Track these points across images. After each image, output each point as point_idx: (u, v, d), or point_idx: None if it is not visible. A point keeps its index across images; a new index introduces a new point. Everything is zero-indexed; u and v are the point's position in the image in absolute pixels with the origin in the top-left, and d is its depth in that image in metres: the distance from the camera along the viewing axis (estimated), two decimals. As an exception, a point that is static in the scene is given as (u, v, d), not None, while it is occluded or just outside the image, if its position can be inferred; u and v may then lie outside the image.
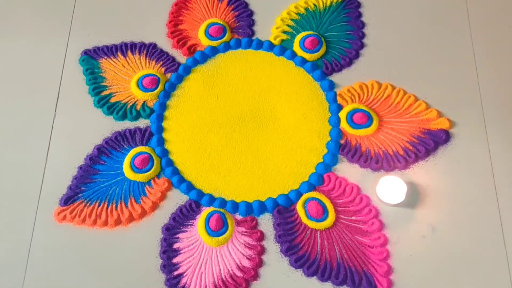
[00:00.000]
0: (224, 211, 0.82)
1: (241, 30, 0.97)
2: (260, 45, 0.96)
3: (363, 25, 0.98)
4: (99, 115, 0.90)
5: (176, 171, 0.85)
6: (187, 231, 0.81)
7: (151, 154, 0.86)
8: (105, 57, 0.95)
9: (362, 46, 0.96)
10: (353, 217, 0.82)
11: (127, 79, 0.93)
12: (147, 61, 0.95)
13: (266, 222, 0.82)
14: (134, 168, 0.84)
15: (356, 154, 0.86)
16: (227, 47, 0.96)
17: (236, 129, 0.89)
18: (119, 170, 0.85)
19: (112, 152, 0.87)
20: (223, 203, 0.83)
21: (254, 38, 0.97)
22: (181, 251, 0.79)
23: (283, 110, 0.90)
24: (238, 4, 1.00)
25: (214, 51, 0.95)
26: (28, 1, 1.01)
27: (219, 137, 0.88)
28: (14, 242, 0.80)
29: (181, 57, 0.95)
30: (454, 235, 0.80)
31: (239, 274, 0.77)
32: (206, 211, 0.82)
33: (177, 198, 0.84)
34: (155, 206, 0.83)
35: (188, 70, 0.94)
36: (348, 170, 0.85)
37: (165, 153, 0.87)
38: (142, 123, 0.90)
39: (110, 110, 0.90)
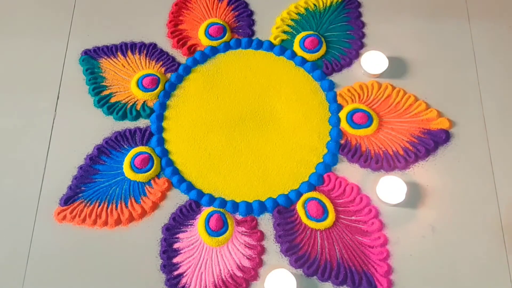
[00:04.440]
0: (224, 211, 0.82)
1: (241, 30, 0.97)
2: (260, 45, 0.96)
3: (363, 25, 0.98)
4: (99, 115, 0.90)
5: (176, 171, 0.85)
6: (187, 231, 0.81)
7: (151, 154, 0.86)
8: (105, 57, 0.95)
9: (362, 46, 0.96)
10: (353, 217, 0.82)
11: (127, 79, 0.93)
12: (147, 61, 0.95)
13: (266, 222, 0.82)
14: (134, 168, 0.84)
15: (356, 154, 0.86)
16: (227, 47, 0.96)
17: (236, 129, 0.89)
18: (119, 170, 0.85)
19: (112, 152, 0.87)
20: (223, 203, 0.83)
21: (254, 38, 0.97)
22: (181, 251, 0.79)
23: (283, 110, 0.90)
24: (238, 4, 1.00)
25: (214, 51, 0.95)
26: (28, 1, 1.01)
27: (219, 137, 0.88)
28: (14, 242, 0.80)
29: (181, 57, 0.95)
30: (454, 235, 0.80)
31: (239, 274, 0.77)
32: (206, 211, 0.82)
33: (177, 198, 0.84)
34: (155, 206, 0.83)
35: (188, 70, 0.94)
36: (348, 170, 0.85)
37: (165, 153, 0.87)
38: (142, 123, 0.90)
39: (110, 110, 0.90)
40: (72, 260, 0.79)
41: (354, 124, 0.88)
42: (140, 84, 0.92)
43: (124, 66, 0.94)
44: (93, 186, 0.84)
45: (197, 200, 0.83)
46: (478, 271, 0.78)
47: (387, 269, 0.77)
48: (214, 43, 0.95)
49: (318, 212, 0.81)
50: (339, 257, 0.78)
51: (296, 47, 0.95)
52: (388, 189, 0.82)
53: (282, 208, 0.82)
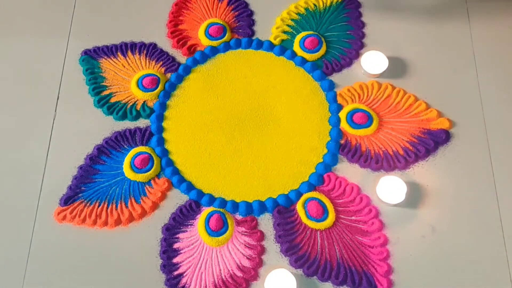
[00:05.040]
0: (224, 211, 0.82)
1: (241, 30, 0.97)
2: (260, 45, 0.96)
3: (363, 25, 0.98)
4: (99, 115, 0.90)
5: (176, 171, 0.85)
6: (187, 231, 0.81)
7: (151, 154, 0.86)
8: (105, 57, 0.95)
9: (362, 46, 0.96)
10: (353, 217, 0.82)
11: (127, 79, 0.93)
12: (147, 61, 0.95)
13: (266, 222, 0.82)
14: (134, 168, 0.84)
15: (356, 154, 0.86)
16: (227, 47, 0.96)
17: (236, 129, 0.89)
18: (119, 170, 0.85)
19: (112, 152, 0.87)
20: (223, 203, 0.83)
21: (254, 38, 0.97)
22: (181, 251, 0.79)
23: (283, 110, 0.90)
24: (238, 4, 1.00)
25: (214, 51, 0.95)
26: (28, 1, 1.01)
27: (219, 137, 0.88)
28: (14, 242, 0.81)
29: (181, 57, 0.95)
30: (454, 235, 0.80)
31: (239, 274, 0.78)
32: (206, 211, 0.82)
33: (177, 198, 0.84)
34: (155, 206, 0.83)
35: (188, 70, 0.94)
36: (348, 170, 0.85)
37: (165, 153, 0.87)
38: (142, 123, 0.90)
39: (110, 110, 0.90)
40: (72, 260, 0.79)
41: (354, 124, 0.88)
42: (140, 84, 0.92)
43: (124, 66, 0.94)
44: (93, 186, 0.84)
45: (197, 200, 0.83)
46: (478, 271, 0.78)
47: (387, 269, 0.77)
48: (214, 43, 0.95)
49: (318, 212, 0.81)
50: (339, 257, 0.78)
51: (296, 47, 0.95)
52: (388, 189, 0.82)
53: (282, 208, 0.82)
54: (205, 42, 0.96)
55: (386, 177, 0.83)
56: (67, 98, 0.92)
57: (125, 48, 0.96)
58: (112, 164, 0.86)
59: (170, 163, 0.86)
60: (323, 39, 0.96)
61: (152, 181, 0.85)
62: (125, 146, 0.87)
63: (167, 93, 0.92)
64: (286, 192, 0.84)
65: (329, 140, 0.87)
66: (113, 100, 0.91)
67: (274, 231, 0.81)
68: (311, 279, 0.77)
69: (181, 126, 0.89)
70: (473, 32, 0.96)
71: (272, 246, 0.80)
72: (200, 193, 0.84)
